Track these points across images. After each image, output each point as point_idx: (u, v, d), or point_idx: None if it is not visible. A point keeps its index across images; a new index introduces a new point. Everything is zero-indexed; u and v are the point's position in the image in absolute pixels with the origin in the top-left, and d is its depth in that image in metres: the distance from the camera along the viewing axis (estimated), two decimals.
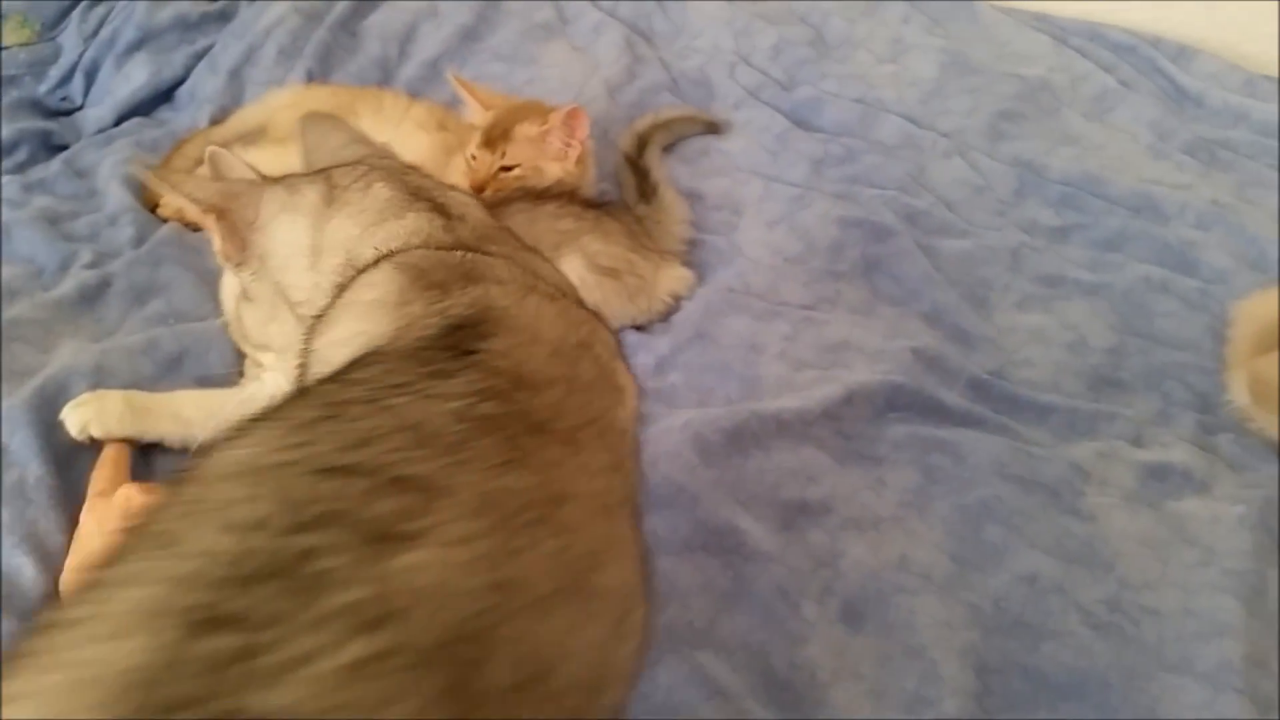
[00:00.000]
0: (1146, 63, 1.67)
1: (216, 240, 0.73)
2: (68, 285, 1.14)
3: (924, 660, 0.82)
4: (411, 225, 0.70)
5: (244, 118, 1.47)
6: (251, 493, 0.46)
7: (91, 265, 1.20)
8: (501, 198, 1.23)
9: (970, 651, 0.82)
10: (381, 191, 0.73)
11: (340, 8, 1.72)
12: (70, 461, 0.92)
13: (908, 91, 1.61)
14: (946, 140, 1.50)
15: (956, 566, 0.90)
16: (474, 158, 1.26)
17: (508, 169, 1.25)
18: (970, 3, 1.82)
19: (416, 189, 0.74)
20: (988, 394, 1.10)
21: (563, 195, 1.26)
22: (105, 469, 0.90)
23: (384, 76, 1.62)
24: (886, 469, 0.99)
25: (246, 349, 0.81)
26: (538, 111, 1.28)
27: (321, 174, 0.76)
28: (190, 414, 0.97)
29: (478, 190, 1.24)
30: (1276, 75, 1.59)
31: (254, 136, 1.45)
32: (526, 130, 1.25)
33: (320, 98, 1.47)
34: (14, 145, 1.43)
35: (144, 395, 0.97)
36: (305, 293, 0.69)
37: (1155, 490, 0.99)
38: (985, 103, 1.57)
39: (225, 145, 1.38)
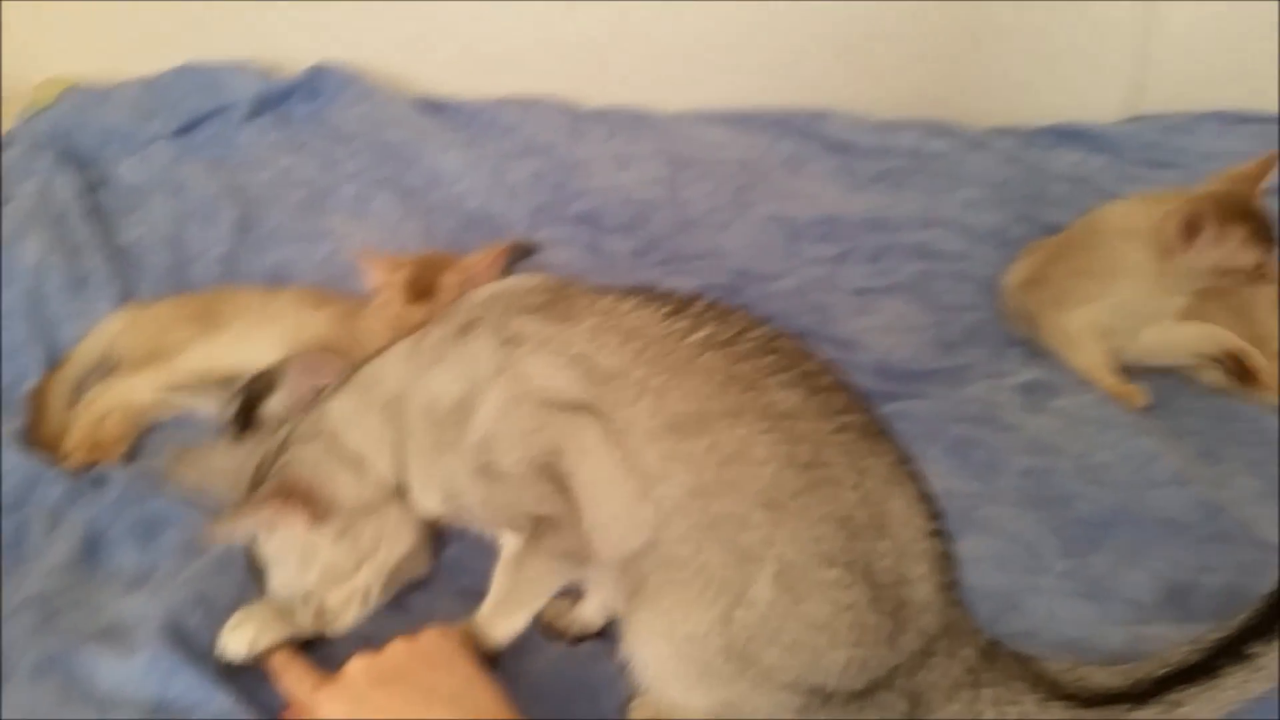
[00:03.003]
0: (795, 130, 2.13)
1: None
2: (57, 552, 1.05)
3: (1032, 553, 1.09)
4: None
5: (85, 353, 1.39)
6: None
7: (52, 528, 1.10)
8: None
9: (1070, 525, 1.12)
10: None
11: (83, 233, 1.66)
12: (233, 685, 0.90)
13: (654, 189, 1.90)
14: (715, 215, 1.82)
15: (980, 484, 1.18)
16: (399, 316, 1.34)
17: None
18: (643, 112, 2.18)
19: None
20: (890, 375, 1.40)
21: None
22: (293, 670, 0.89)
23: (181, 282, 1.61)
24: None
25: None
26: (447, 261, 1.39)
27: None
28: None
29: None
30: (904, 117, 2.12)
31: (105, 368, 1.38)
32: (449, 279, 1.35)
33: (163, 313, 1.44)
34: None
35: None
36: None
37: (1037, 400, 1.35)
38: (720, 184, 1.91)
39: (81, 384, 1.34)
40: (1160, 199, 1.39)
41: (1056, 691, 0.86)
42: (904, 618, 0.80)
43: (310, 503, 0.88)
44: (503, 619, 0.91)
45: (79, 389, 1.35)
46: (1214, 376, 1.38)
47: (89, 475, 1.20)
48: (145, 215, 1.75)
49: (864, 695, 0.81)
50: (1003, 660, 0.87)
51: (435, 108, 2.14)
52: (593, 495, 0.83)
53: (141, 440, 1.28)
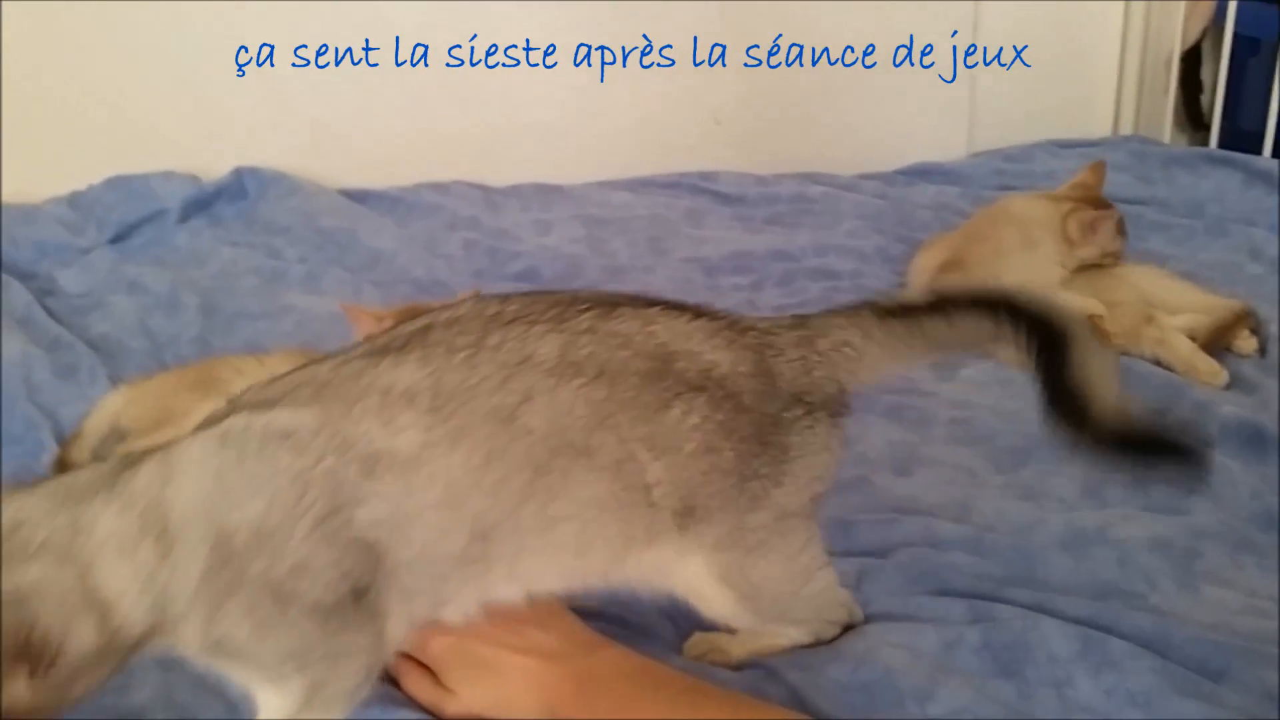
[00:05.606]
0: (689, 189, 2.40)
1: None
2: None
3: (973, 474, 1.32)
4: None
5: (95, 426, 1.48)
6: None
7: None
8: None
9: (998, 454, 1.37)
10: None
11: (54, 330, 1.76)
12: None
13: (578, 246, 2.12)
14: (638, 261, 2.04)
15: (916, 435, 1.41)
16: None
17: None
18: (550, 185, 2.41)
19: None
20: None
21: None
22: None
23: (161, 365, 1.71)
24: None
25: None
26: (427, 308, 1.54)
27: None
28: None
29: None
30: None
31: (113, 440, 1.48)
32: None
33: (163, 384, 1.54)
34: None
35: None
36: None
37: (946, 373, 1.61)
38: (636, 237, 2.15)
39: (96, 456, 1.44)
40: (1047, 197, 1.85)
41: None
42: (739, 393, 0.85)
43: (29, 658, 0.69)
44: None
45: (94, 459, 1.44)
46: None
47: None
48: (107, 313, 1.84)
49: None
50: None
51: (360, 196, 2.31)
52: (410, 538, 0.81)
53: None
